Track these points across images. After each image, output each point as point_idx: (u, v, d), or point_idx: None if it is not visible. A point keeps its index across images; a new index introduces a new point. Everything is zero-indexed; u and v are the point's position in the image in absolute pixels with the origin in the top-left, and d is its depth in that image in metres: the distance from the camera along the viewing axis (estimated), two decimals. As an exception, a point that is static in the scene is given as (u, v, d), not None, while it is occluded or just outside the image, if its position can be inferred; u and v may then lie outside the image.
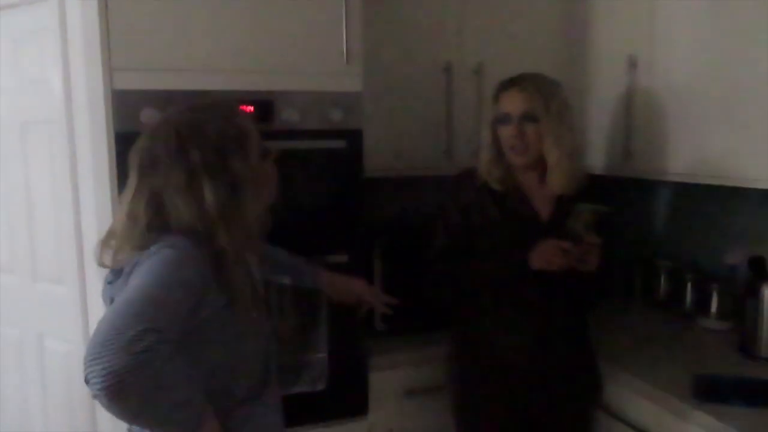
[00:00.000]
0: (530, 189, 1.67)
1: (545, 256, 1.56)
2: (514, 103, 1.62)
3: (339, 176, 1.79)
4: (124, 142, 1.48)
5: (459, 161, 2.09)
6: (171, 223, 1.08)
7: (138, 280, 0.97)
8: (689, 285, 2.23)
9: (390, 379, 1.93)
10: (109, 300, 1.13)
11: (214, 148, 1.08)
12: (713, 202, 2.20)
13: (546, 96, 1.61)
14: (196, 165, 1.07)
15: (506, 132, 1.64)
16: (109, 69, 1.57)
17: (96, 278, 1.62)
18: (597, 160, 2.11)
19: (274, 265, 1.56)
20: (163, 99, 1.57)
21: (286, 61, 1.70)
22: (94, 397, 0.88)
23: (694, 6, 1.84)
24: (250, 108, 1.67)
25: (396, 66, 2.07)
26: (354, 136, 1.77)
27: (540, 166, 1.66)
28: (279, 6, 1.69)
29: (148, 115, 1.56)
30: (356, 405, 1.89)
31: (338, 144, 1.76)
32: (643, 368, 1.76)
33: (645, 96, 2.00)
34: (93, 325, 1.24)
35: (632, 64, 2.01)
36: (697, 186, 1.92)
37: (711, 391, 1.54)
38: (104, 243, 1.12)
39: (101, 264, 1.13)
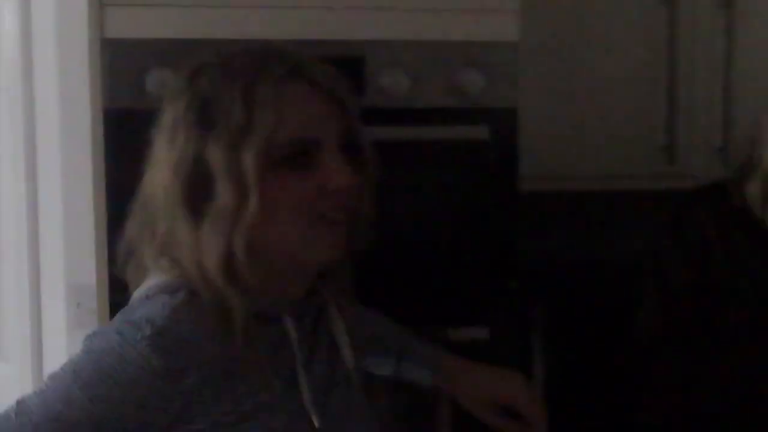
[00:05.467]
0: None
1: None
2: None
3: (476, 187, 1.39)
4: (118, 125, 1.24)
5: (690, 167, 1.62)
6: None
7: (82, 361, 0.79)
8: None
9: None
10: None
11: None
12: None
13: None
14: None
15: None
16: (98, 5, 1.24)
17: (59, 353, 1.29)
18: None
19: (367, 343, 1.14)
20: (183, 53, 1.22)
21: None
22: None
23: None
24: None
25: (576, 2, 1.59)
26: (504, 120, 1.36)
27: None
28: None
29: (160, 81, 1.23)
30: None
31: (476, 133, 1.34)
32: None
33: None
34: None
35: None
36: None
37: None
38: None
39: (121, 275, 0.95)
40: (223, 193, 0.77)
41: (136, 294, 0.85)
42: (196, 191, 0.78)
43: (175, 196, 0.80)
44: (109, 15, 1.23)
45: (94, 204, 1.26)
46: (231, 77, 0.79)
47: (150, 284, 0.83)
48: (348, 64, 1.23)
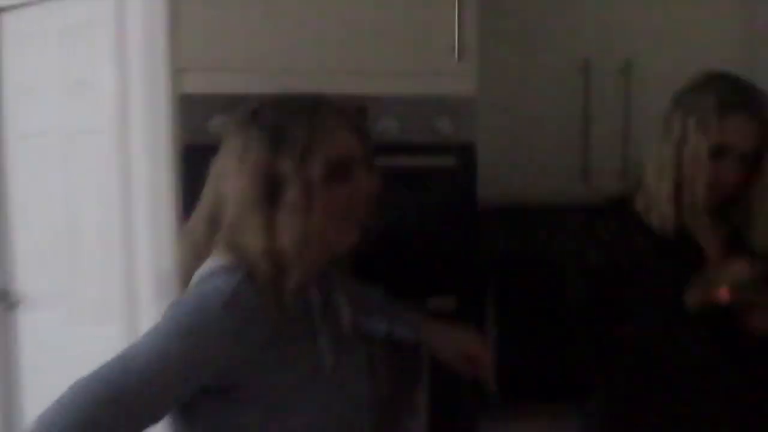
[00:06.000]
0: (696, 226, 1.39)
1: (713, 282, 1.27)
2: (742, 135, 1.29)
3: (447, 201, 1.59)
4: (190, 155, 1.42)
5: (599, 185, 1.82)
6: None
7: (160, 334, 0.87)
8: None
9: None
10: None
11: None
12: None
13: None
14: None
15: (721, 169, 1.32)
16: (176, 69, 1.45)
17: (149, 319, 1.44)
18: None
19: (366, 309, 1.33)
20: (237, 104, 1.36)
21: (383, 58, 1.54)
22: None
23: None
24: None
25: (519, 64, 1.83)
26: (466, 152, 1.57)
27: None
28: (373, -8, 1.54)
29: (219, 124, 1.43)
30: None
31: (446, 161, 1.56)
32: None
33: None
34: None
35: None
36: None
37: None
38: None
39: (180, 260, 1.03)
40: (294, 193, 0.88)
41: (199, 272, 0.94)
42: (267, 192, 0.89)
43: (250, 196, 0.89)
44: (183, 77, 1.44)
45: (173, 212, 1.44)
46: (295, 110, 0.93)
47: (212, 265, 0.93)
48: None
